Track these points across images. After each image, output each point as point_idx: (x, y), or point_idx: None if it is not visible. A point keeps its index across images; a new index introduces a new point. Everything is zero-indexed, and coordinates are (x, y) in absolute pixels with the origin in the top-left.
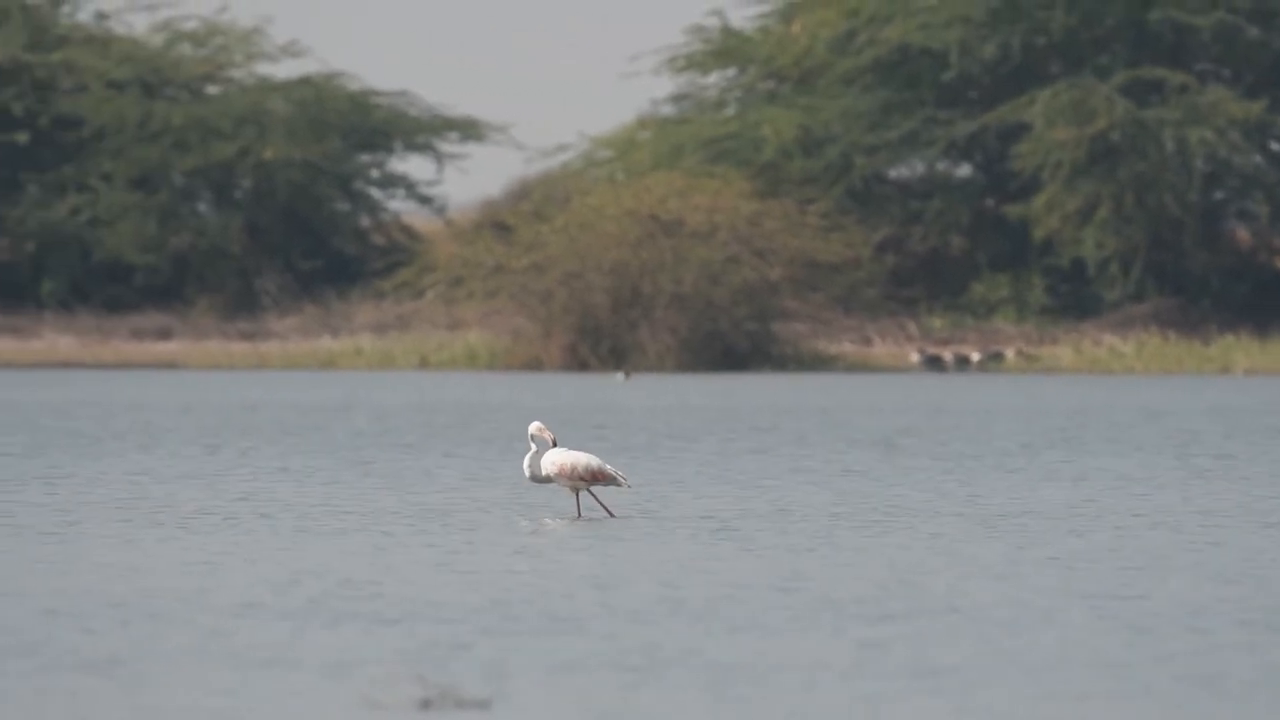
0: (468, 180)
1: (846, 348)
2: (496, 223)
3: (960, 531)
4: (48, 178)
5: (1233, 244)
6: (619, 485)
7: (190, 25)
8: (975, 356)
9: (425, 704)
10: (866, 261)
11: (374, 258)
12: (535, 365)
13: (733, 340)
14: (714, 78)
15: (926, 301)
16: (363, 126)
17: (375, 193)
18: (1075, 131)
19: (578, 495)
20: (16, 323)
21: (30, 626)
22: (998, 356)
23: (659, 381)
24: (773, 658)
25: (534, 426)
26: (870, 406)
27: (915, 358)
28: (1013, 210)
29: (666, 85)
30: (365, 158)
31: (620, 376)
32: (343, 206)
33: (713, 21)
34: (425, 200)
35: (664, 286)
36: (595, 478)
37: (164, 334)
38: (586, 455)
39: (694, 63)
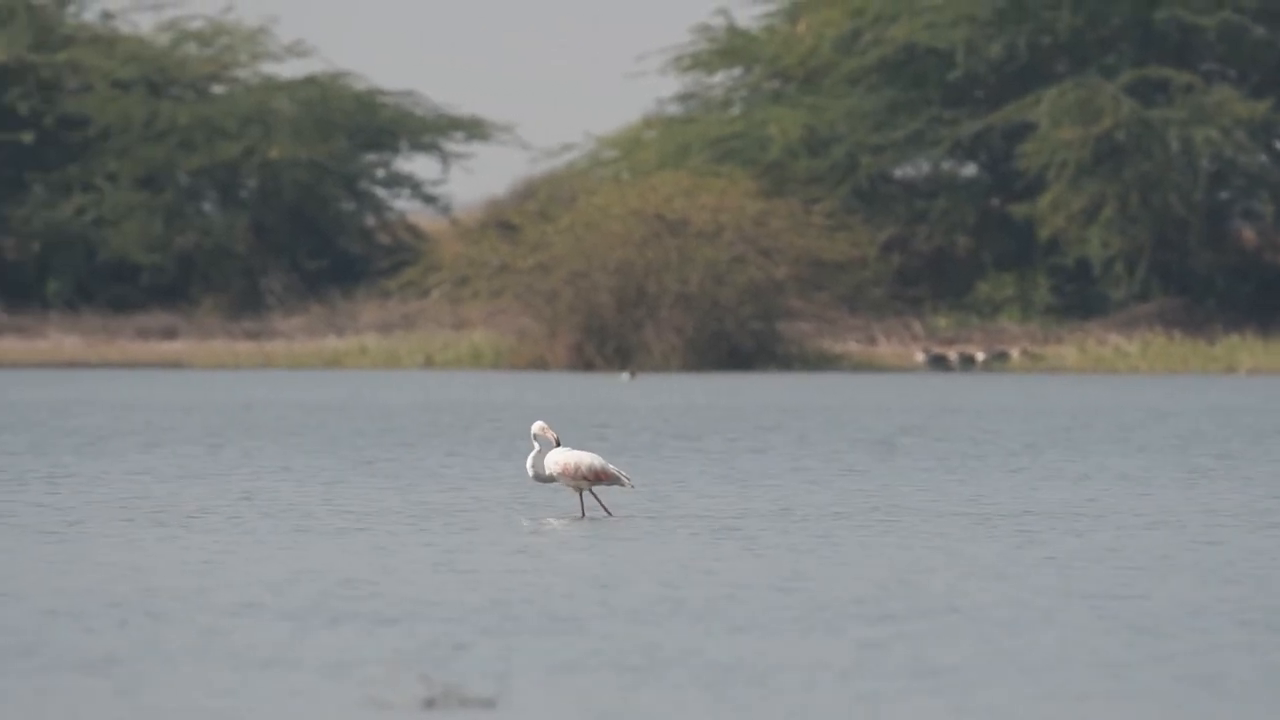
0: (473, 180)
1: (852, 347)
2: (502, 222)
3: (961, 531)
4: (53, 177)
5: (1238, 243)
6: (622, 485)
7: (196, 25)
8: (980, 356)
9: (430, 703)
10: (872, 261)
11: (379, 257)
12: (540, 365)
13: (738, 340)
14: (719, 77)
15: (932, 301)
16: (368, 126)
17: (381, 192)
18: (1081, 131)
19: (581, 495)
20: (22, 322)
21: (30, 626)
22: (1003, 356)
23: (664, 381)
24: (773, 658)
25: (537, 426)
26: (875, 406)
27: (920, 357)
28: (1018, 210)
29: (672, 85)
30: (371, 157)
31: (625, 376)
32: (348, 206)
33: (718, 21)
34: (430, 200)
35: (669, 286)
36: (598, 477)
37: (169, 333)
38: (590, 455)
39: (700, 62)
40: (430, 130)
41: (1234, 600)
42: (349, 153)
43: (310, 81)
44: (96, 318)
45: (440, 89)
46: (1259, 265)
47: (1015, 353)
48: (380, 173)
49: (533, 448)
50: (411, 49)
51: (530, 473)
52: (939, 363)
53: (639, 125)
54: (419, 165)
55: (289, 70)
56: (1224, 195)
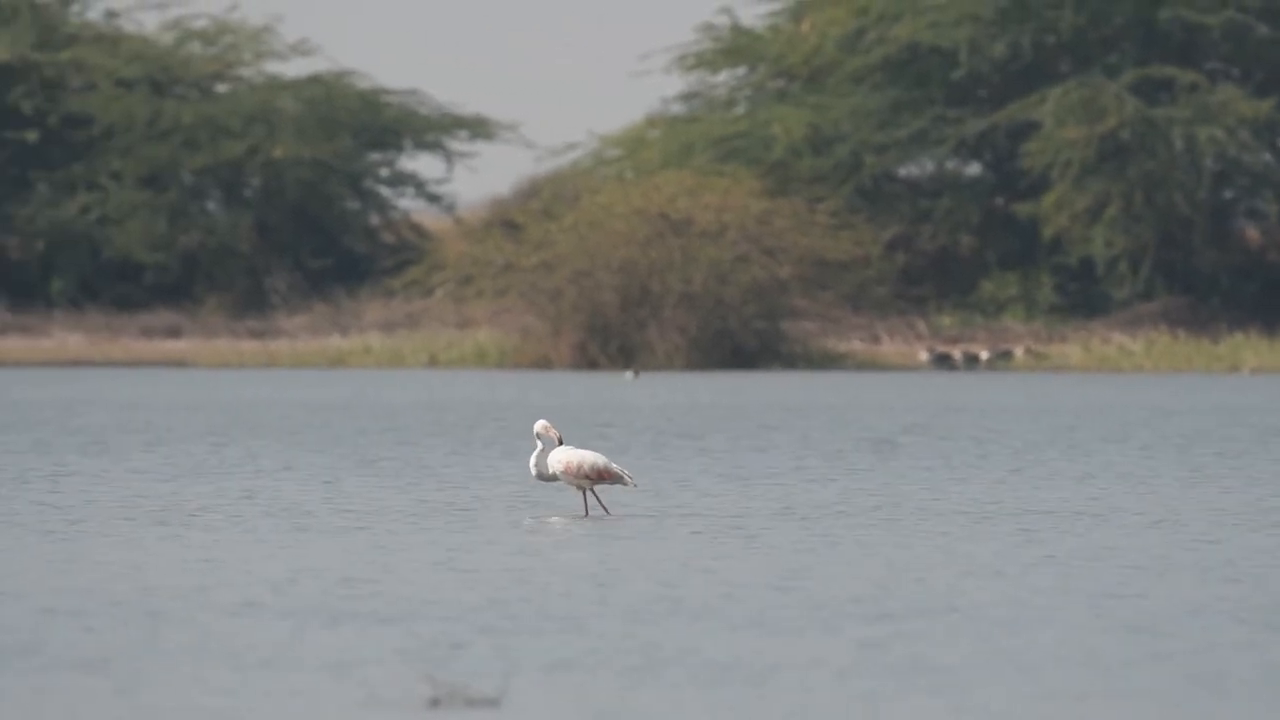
0: (477, 179)
1: (855, 346)
2: (506, 221)
3: (961, 530)
4: (57, 176)
5: (1242, 242)
6: (625, 484)
7: (200, 24)
8: (984, 355)
9: (434, 702)
10: (876, 260)
11: (383, 256)
12: (544, 364)
13: (742, 339)
14: (723, 76)
15: (935, 300)
16: (372, 125)
17: (385, 191)
18: (1085, 130)
19: (584, 494)
20: (26, 321)
21: (29, 625)
22: (1006, 355)
23: (668, 380)
24: (771, 657)
25: (540, 425)
26: (879, 405)
27: (924, 356)
28: (1022, 209)
29: (676, 84)
30: (375, 156)
31: (629, 375)
32: (352, 205)
33: (722, 20)
34: (435, 199)
35: (673, 285)
36: (601, 476)
37: (173, 332)
38: (593, 453)
39: (703, 61)
40: (434, 129)
41: (1234, 599)
42: (353, 152)
43: (314, 80)
44: (100, 316)
45: (444, 88)
46: (1263, 264)
47: (1019, 352)
48: (384, 172)
49: (535, 446)
50: (416, 48)
51: (533, 471)
52: (943, 362)
53: (643, 124)
54: (423, 164)
55: (293, 69)
56: (1228, 194)
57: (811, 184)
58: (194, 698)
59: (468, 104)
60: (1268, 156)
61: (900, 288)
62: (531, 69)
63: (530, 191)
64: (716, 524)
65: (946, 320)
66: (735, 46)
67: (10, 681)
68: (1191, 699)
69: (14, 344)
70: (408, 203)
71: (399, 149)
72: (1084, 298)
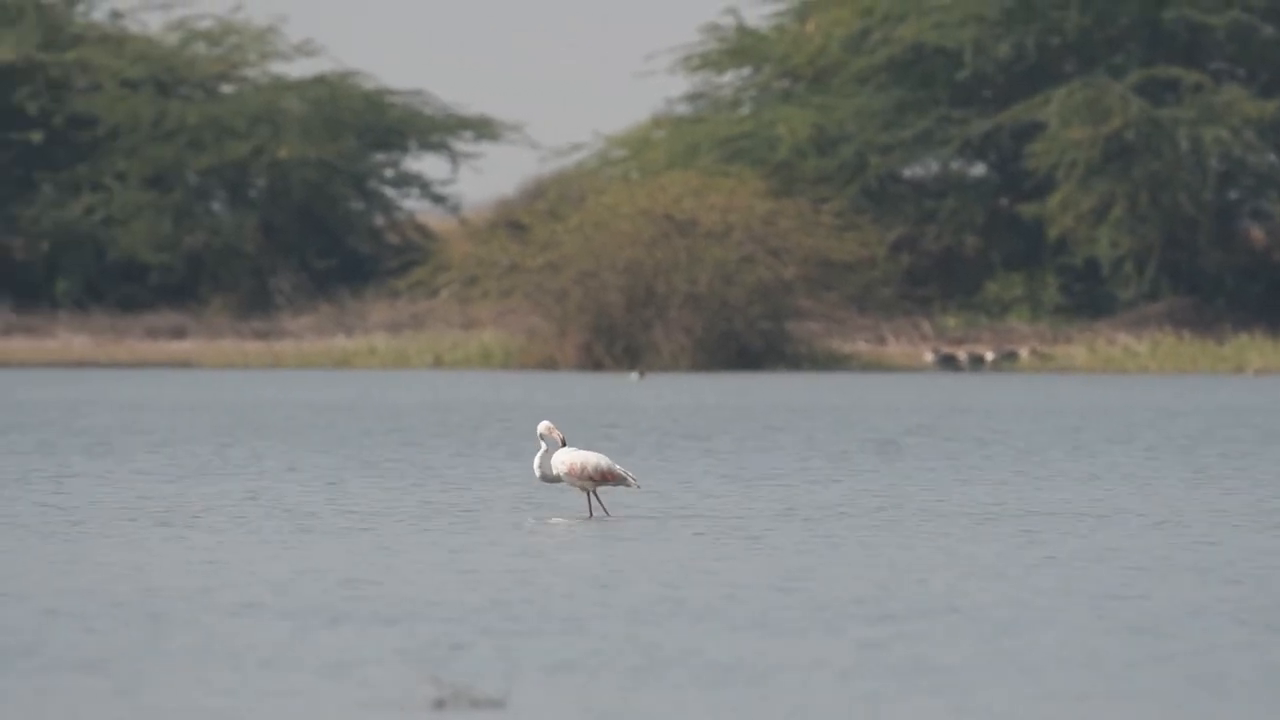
0: (482, 179)
1: (861, 347)
2: (511, 222)
3: (963, 531)
4: (62, 177)
5: (1247, 243)
6: (628, 485)
7: (205, 24)
8: (989, 356)
9: (439, 703)
10: (881, 261)
11: (388, 257)
12: (550, 364)
13: (747, 340)
14: (729, 77)
15: (941, 301)
16: (377, 125)
17: (390, 192)
18: (1090, 130)
19: (589, 495)
20: (31, 322)
21: (31, 626)
22: (1012, 356)
23: (673, 381)
24: (773, 657)
25: (543, 426)
26: (884, 406)
27: (929, 357)
28: (1027, 209)
29: (681, 84)
30: (380, 157)
31: (635, 376)
32: (357, 205)
33: (727, 20)
34: (440, 199)
35: (678, 286)
36: (605, 477)
37: (178, 333)
38: (596, 455)
39: (709, 62)
40: (439, 130)
41: (1235, 601)
42: (358, 152)
43: (319, 81)
44: (105, 317)
45: (449, 88)
46: (1268, 265)
47: (1024, 352)
48: (389, 172)
49: (539, 448)
50: (420, 48)
51: (537, 473)
52: (948, 362)
53: (648, 125)
54: (428, 165)
55: (298, 70)
56: (1233, 195)
57: (816, 184)
58: (196, 699)
59: (473, 104)
60: (1273, 157)
61: (905, 288)
62: (536, 69)
63: (535, 192)
64: (719, 525)
65: (951, 321)
66: (740, 47)
67: (13, 682)
68: (1193, 700)
69: (19, 345)
70: (413, 203)
71: (404, 149)
72: (1089, 298)
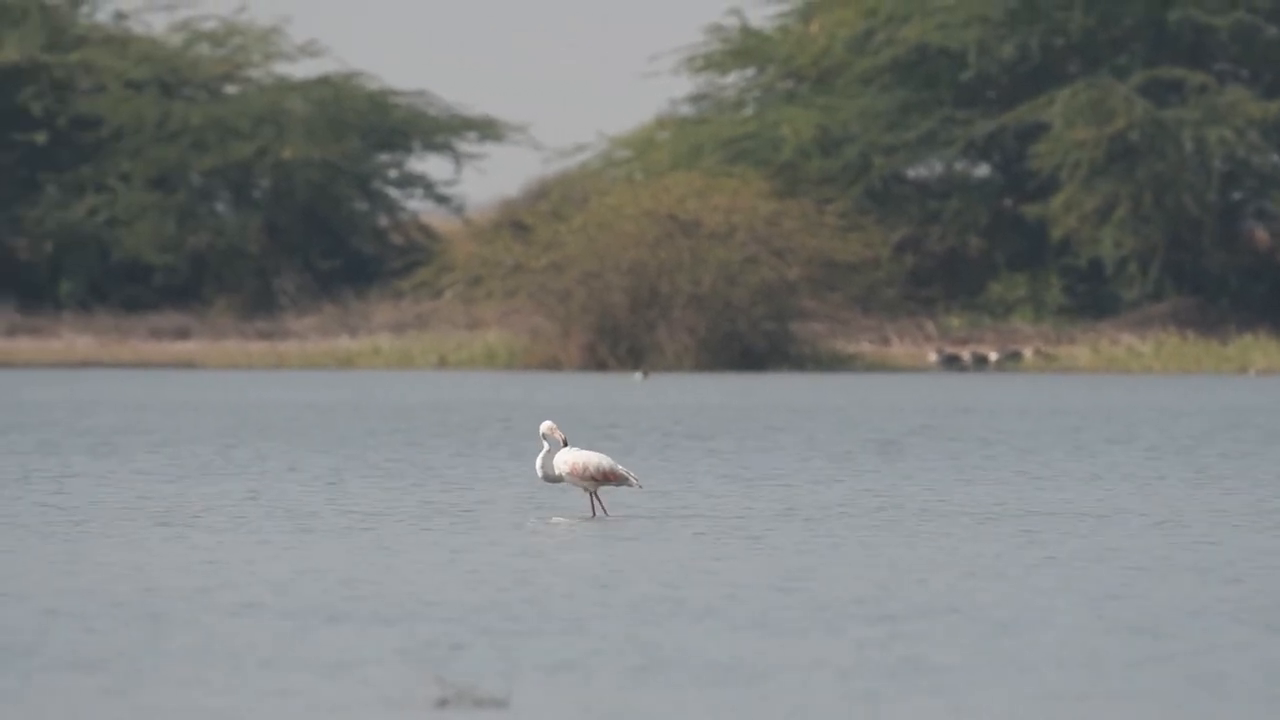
0: (486, 180)
1: (864, 347)
2: (515, 222)
3: (964, 531)
4: (66, 178)
5: (1251, 244)
6: (630, 485)
7: (209, 25)
8: (993, 356)
9: (442, 703)
10: (885, 261)
11: (392, 257)
12: (553, 365)
13: (751, 340)
14: (732, 77)
15: (944, 301)
16: (381, 126)
17: (394, 192)
18: (1094, 131)
19: (591, 495)
20: (35, 323)
21: (31, 626)
22: (1015, 356)
23: (677, 381)
24: (773, 657)
25: (545, 426)
26: (887, 406)
27: (933, 357)
28: (1031, 210)
29: (685, 85)
30: (384, 157)
31: (638, 376)
32: (361, 206)
33: (731, 21)
34: (444, 200)
35: (682, 286)
36: (606, 477)
37: (182, 334)
38: (598, 455)
39: (712, 62)
40: (443, 130)
41: (1235, 600)
42: (362, 153)
43: (323, 81)
44: (109, 318)
45: (453, 89)
46: (1272, 265)
47: (1028, 353)
48: (393, 173)
49: (542, 448)
50: (424, 49)
51: (539, 473)
52: (952, 363)
53: (652, 125)
54: (432, 165)
55: (302, 70)
56: (1237, 195)
57: (820, 185)
58: (195, 698)
59: (476, 105)
60: (1276, 158)
61: (909, 289)
62: (540, 70)
63: (539, 193)
64: (720, 525)
65: (955, 321)
66: (744, 48)
67: (13, 682)
68: (1193, 700)
69: (23, 345)
70: (417, 204)
71: (408, 150)
72: (1093, 299)
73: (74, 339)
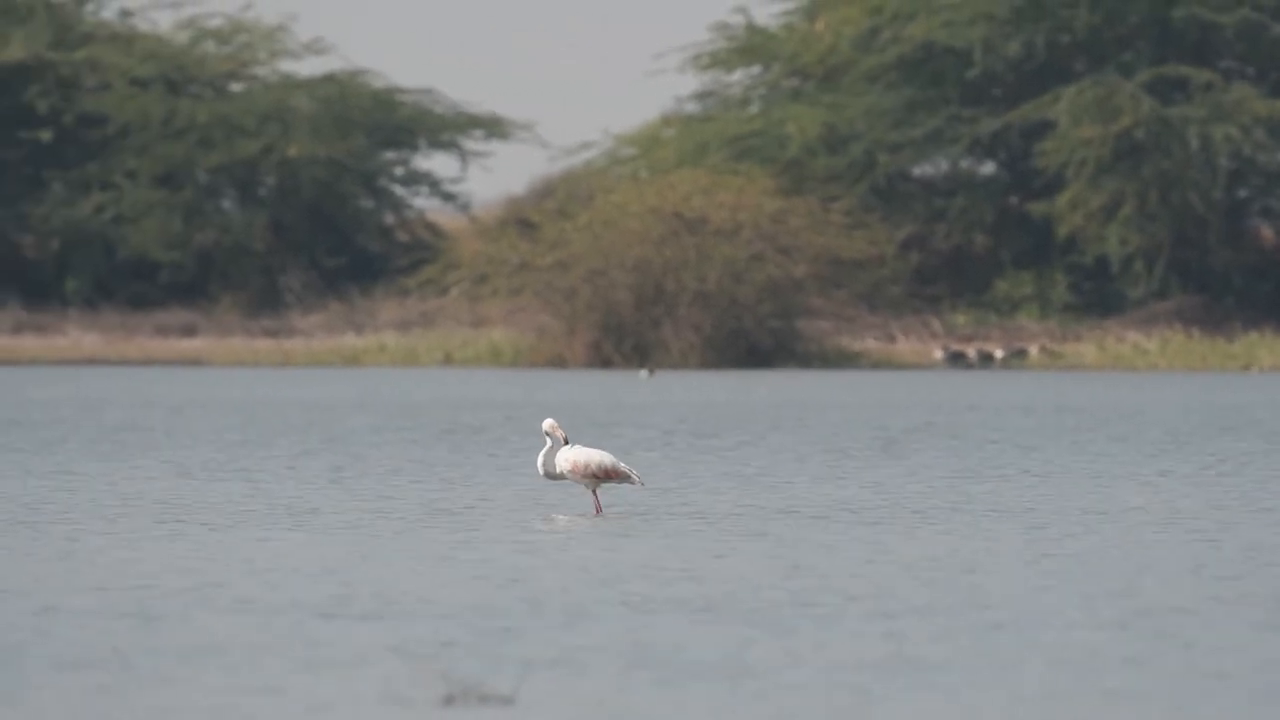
0: (492, 178)
1: (870, 345)
2: (521, 220)
3: (965, 528)
4: (72, 175)
5: (1256, 241)
6: (632, 482)
7: (214, 22)
8: (999, 353)
9: (448, 699)
10: (890, 259)
11: (398, 255)
12: (559, 362)
13: (757, 338)
14: (738, 75)
15: (950, 299)
16: (387, 124)
17: (399, 190)
18: (1099, 129)
19: (595, 493)
20: (41, 320)
21: (29, 625)
22: (1021, 353)
23: (683, 379)
24: (774, 655)
25: (547, 423)
26: (892, 403)
27: (939, 355)
28: (1036, 208)
29: (691, 83)
30: (389, 155)
31: (644, 374)
32: (367, 204)
33: (737, 19)
34: (449, 197)
35: (688, 284)
36: (608, 475)
37: (188, 331)
38: (600, 452)
39: (718, 60)
40: (449, 128)
41: (1235, 599)
42: (368, 150)
43: (329, 79)
44: (115, 315)
45: (459, 87)
46: (1277, 263)
47: (1034, 350)
48: (399, 170)
49: (545, 444)
50: (430, 47)
51: (541, 470)
52: (957, 360)
53: (657, 123)
54: (438, 163)
55: (307, 68)
56: (1243, 193)
57: (826, 183)
58: (194, 698)
59: (482, 103)
60: None
61: (915, 287)
62: (546, 68)
63: (545, 190)
64: (721, 522)
65: (961, 319)
66: (750, 45)
67: (11, 680)
68: (1192, 699)
69: (29, 343)
70: (422, 202)
71: (414, 148)
72: (1098, 296)
73: (80, 336)
